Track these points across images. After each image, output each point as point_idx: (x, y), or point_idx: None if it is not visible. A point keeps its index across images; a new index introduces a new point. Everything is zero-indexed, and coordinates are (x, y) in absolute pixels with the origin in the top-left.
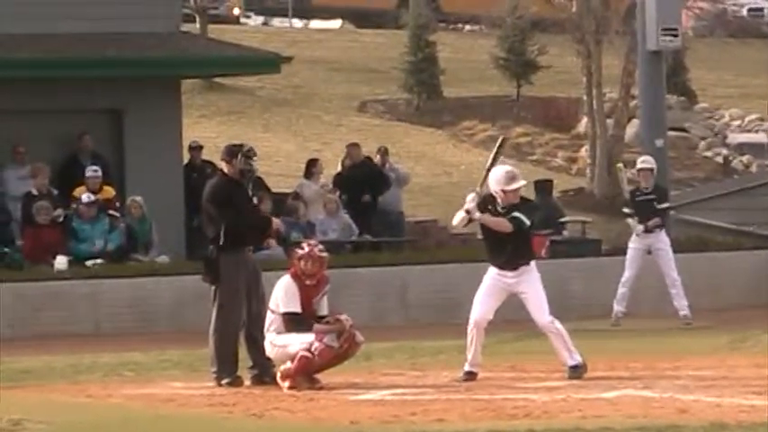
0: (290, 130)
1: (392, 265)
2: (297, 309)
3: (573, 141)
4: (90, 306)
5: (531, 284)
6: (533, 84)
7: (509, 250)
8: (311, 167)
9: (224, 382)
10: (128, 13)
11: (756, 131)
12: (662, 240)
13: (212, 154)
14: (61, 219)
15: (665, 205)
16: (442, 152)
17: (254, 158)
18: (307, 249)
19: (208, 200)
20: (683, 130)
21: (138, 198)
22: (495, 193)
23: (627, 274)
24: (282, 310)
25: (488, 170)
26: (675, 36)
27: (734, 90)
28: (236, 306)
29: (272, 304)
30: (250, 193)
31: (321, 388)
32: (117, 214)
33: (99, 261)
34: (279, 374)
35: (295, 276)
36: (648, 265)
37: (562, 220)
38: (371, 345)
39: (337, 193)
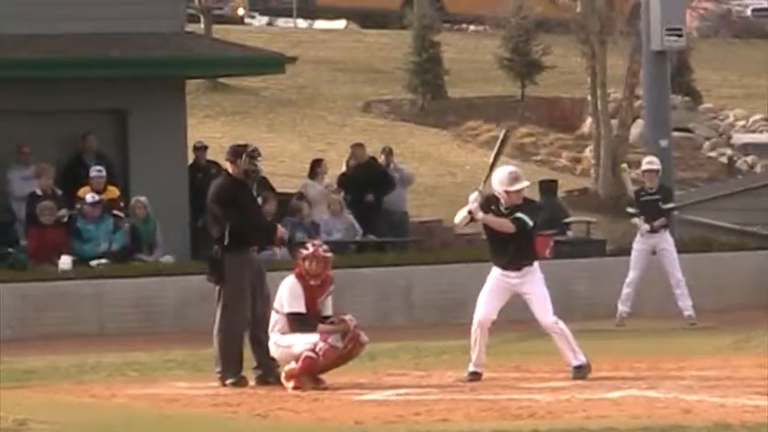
0: (295, 131)
1: (396, 265)
2: (301, 309)
3: (577, 141)
4: (94, 306)
5: (534, 285)
6: (538, 84)
7: (512, 251)
8: (315, 168)
9: (228, 382)
10: (132, 14)
11: (761, 132)
12: (666, 241)
13: (217, 154)
14: (65, 219)
15: (670, 205)
16: (446, 152)
17: (259, 159)
18: (311, 249)
19: (212, 200)
20: (688, 130)
21: (143, 198)
22: (498, 194)
23: (631, 274)
24: (287, 310)
25: (492, 164)
26: (680, 36)
27: (738, 90)
28: (241, 306)
29: (276, 304)
30: (255, 193)
31: (325, 388)
32: (121, 214)
33: (103, 261)
34: (283, 375)
35: (299, 276)
36: (653, 265)
37: (566, 220)
38: (376, 345)
39: (342, 193)
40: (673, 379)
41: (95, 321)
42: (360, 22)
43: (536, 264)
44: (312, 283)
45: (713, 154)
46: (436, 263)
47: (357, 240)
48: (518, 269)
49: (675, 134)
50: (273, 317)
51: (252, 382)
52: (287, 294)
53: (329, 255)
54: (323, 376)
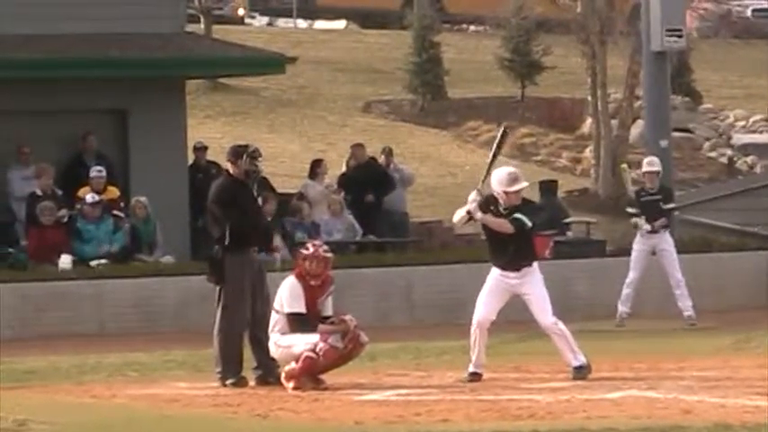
0: (295, 131)
1: (397, 265)
2: (301, 309)
3: (577, 142)
4: (94, 306)
5: (533, 286)
6: (538, 84)
7: (511, 251)
8: (316, 168)
9: (228, 382)
10: (133, 14)
11: (761, 132)
12: (666, 241)
13: (217, 154)
14: (66, 219)
15: (671, 205)
16: (446, 153)
17: (260, 159)
18: (311, 250)
19: (213, 200)
20: (688, 130)
21: (143, 198)
22: (497, 194)
23: (631, 275)
24: (287, 310)
25: (491, 162)
26: (680, 37)
27: (738, 91)
28: (241, 306)
29: (276, 305)
30: (255, 193)
31: (326, 388)
32: (121, 215)
33: (103, 261)
34: (283, 375)
35: (300, 277)
36: (653, 265)
37: (566, 220)
38: (376, 345)
39: (342, 193)
40: (673, 379)
41: (95, 321)
42: (360, 23)
43: (535, 264)
44: (312, 283)
45: (713, 154)
46: (436, 263)
47: (357, 241)
48: (517, 270)
49: (675, 134)
50: (273, 317)
51: (252, 383)
52: (287, 294)
53: (329, 255)
54: (323, 376)
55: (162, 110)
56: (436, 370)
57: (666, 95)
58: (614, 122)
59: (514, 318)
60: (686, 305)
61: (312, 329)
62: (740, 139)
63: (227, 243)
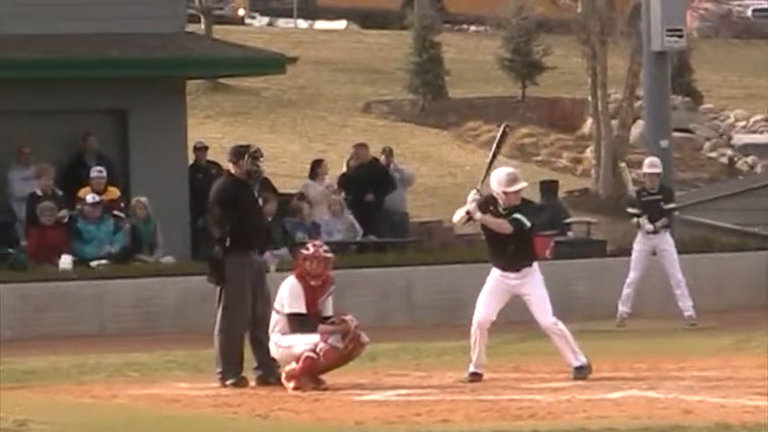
0: (295, 131)
1: (397, 265)
2: (302, 309)
3: (578, 142)
4: (95, 307)
5: (533, 286)
6: (538, 84)
7: (511, 252)
8: (316, 168)
9: (229, 382)
10: (133, 14)
11: (761, 132)
12: (667, 241)
13: (217, 155)
14: (66, 219)
15: (671, 205)
16: (446, 153)
17: (261, 159)
18: (312, 250)
19: (214, 200)
20: (688, 130)
21: (143, 199)
22: (496, 195)
23: (632, 275)
24: (287, 310)
25: (491, 161)
26: (680, 37)
27: (739, 91)
28: (242, 307)
29: (277, 305)
30: (256, 194)
31: (326, 389)
32: (122, 215)
33: (104, 262)
34: (283, 375)
35: (300, 277)
36: (653, 265)
37: (567, 220)
38: (376, 345)
39: (342, 193)
40: (673, 379)
41: (96, 322)
42: (360, 23)
43: (535, 265)
44: (313, 283)
45: (714, 154)
46: (437, 263)
47: (357, 241)
48: (517, 270)
49: (676, 135)
50: (274, 317)
51: (252, 383)
52: (287, 295)
53: (330, 255)
54: (323, 377)
55: (162, 110)
56: (436, 370)
57: (667, 95)
58: (615, 123)
59: (514, 318)
60: (687, 305)
61: (312, 330)
62: (740, 139)
63: (227, 243)
